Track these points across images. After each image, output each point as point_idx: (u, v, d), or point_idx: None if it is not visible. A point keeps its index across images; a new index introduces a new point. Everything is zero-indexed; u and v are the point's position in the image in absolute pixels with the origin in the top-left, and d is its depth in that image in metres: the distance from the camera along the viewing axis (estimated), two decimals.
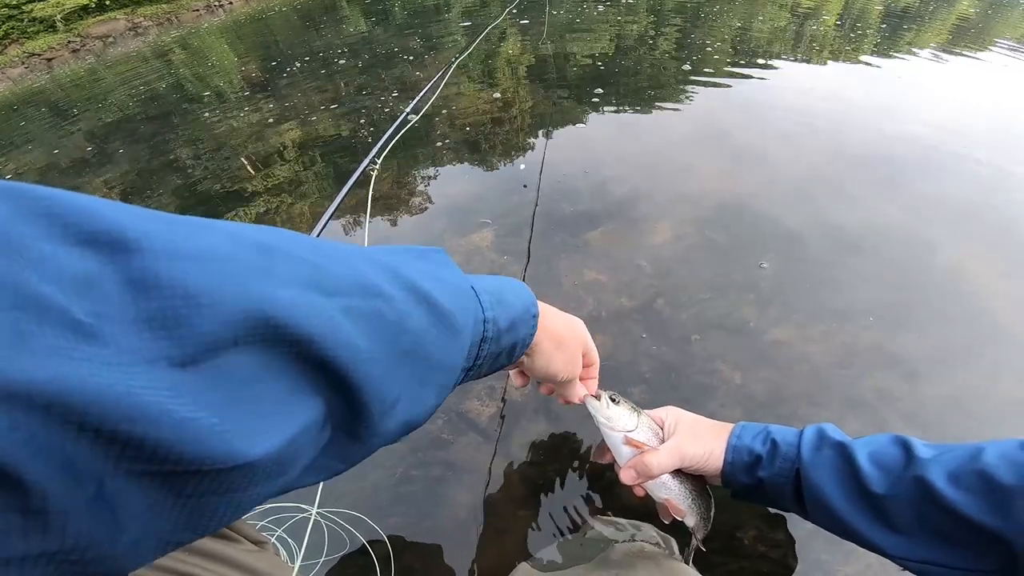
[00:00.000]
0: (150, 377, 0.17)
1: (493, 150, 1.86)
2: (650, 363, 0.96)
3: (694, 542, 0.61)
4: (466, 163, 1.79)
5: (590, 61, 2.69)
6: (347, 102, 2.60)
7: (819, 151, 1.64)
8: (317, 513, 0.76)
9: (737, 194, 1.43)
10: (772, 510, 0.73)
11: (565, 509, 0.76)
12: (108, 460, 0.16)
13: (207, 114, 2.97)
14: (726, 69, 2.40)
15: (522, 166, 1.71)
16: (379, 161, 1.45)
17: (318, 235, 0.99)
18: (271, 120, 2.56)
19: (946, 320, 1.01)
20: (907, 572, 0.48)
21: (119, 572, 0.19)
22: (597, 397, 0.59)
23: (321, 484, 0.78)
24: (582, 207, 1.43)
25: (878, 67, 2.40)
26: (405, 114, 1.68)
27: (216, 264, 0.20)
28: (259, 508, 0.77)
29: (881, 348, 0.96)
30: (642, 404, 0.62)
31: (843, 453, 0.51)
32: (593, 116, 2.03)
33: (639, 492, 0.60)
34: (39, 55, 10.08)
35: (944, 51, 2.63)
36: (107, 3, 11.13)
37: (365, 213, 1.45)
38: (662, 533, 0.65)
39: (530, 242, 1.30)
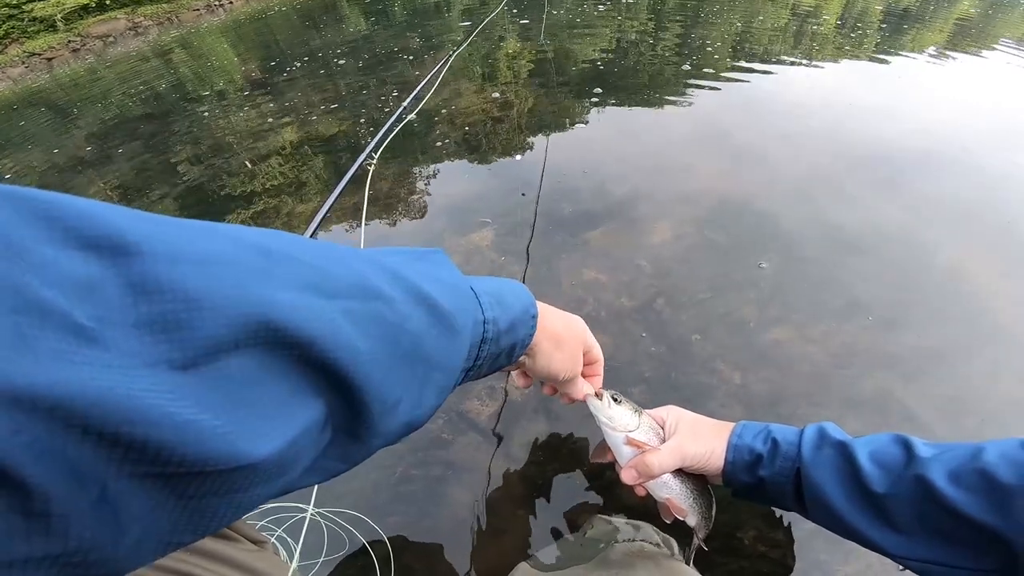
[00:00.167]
0: (152, 380, 0.17)
1: (493, 150, 1.86)
2: (650, 363, 0.96)
3: (695, 541, 0.61)
4: (466, 162, 1.79)
5: (590, 61, 2.69)
6: (347, 101, 2.60)
7: (819, 151, 1.64)
8: (317, 513, 0.76)
9: (737, 194, 1.43)
10: (772, 510, 0.73)
11: (565, 509, 0.76)
12: (111, 463, 0.17)
13: (207, 114, 2.97)
14: (726, 69, 2.40)
15: (522, 165, 1.71)
16: (376, 156, 1.45)
17: (314, 230, 0.99)
18: (271, 119, 2.56)
19: (946, 320, 1.01)
20: (907, 572, 0.48)
21: (119, 573, 0.19)
22: (599, 397, 0.59)
23: (321, 484, 0.78)
24: (582, 207, 1.43)
25: (878, 67, 2.40)
26: (402, 108, 1.68)
27: (217, 267, 0.20)
28: (259, 508, 0.77)
29: (881, 348, 0.96)
30: (642, 404, 0.62)
31: (844, 452, 0.51)
32: (593, 116, 2.03)
33: (640, 492, 0.60)
34: (39, 55, 10.07)
35: (944, 51, 2.63)
36: (107, 3, 11.12)
37: (362, 211, 1.45)
38: (662, 533, 0.65)
39: (530, 242, 1.30)
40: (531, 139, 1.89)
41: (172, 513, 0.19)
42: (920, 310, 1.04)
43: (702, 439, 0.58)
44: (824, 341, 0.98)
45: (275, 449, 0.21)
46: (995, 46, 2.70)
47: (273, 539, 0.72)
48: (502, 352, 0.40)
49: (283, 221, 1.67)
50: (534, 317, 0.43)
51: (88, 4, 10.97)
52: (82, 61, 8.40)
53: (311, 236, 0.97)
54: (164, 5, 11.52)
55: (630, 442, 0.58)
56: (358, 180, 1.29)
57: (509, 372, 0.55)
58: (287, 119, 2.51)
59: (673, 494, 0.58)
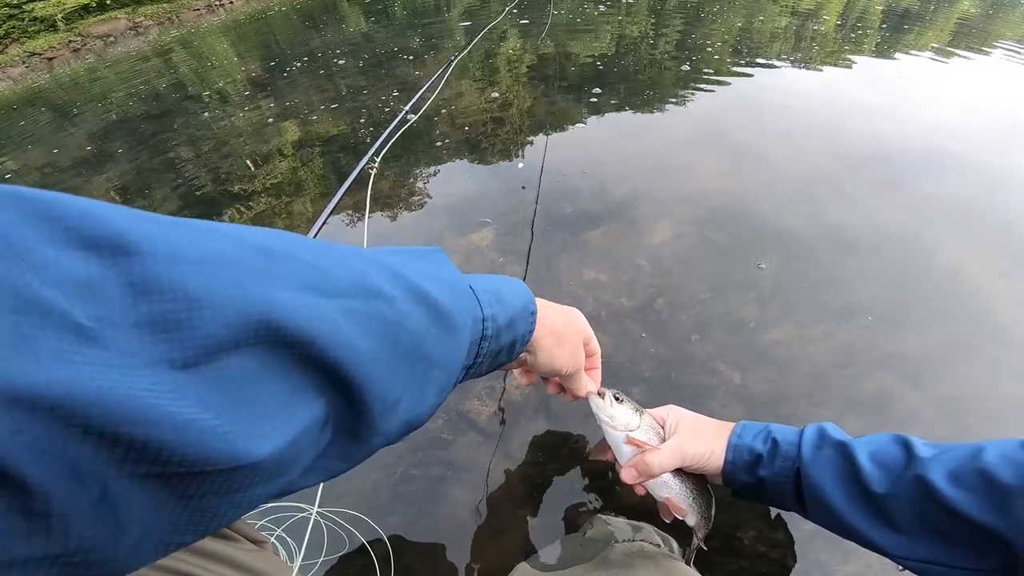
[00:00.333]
0: (152, 380, 0.17)
1: (493, 149, 1.86)
2: (650, 363, 0.96)
3: (695, 541, 0.61)
4: (466, 162, 1.79)
5: (590, 61, 2.69)
6: (347, 101, 2.60)
7: (819, 151, 1.64)
8: (317, 512, 0.76)
9: (737, 194, 1.43)
10: (772, 510, 0.73)
11: (565, 509, 0.76)
12: (112, 463, 0.17)
13: (207, 113, 2.97)
14: (726, 69, 2.40)
15: (521, 165, 1.71)
16: (378, 160, 1.45)
17: (316, 233, 0.99)
18: (271, 119, 2.56)
19: (946, 320, 1.01)
20: (907, 572, 0.48)
21: (119, 573, 0.19)
22: (601, 395, 0.59)
23: (321, 484, 0.78)
24: (582, 207, 1.43)
25: (879, 67, 2.40)
26: (404, 113, 1.68)
27: (217, 267, 0.20)
28: (259, 508, 0.77)
29: (881, 348, 0.96)
30: (642, 404, 0.62)
31: (844, 452, 0.51)
32: (593, 116, 2.03)
33: (640, 491, 0.60)
34: (40, 54, 10.06)
35: (945, 51, 2.63)
36: (108, 2, 11.12)
37: (364, 212, 1.45)
38: (662, 533, 0.65)
39: (530, 242, 1.30)
40: (531, 139, 1.90)
41: (172, 513, 0.19)
42: (920, 310, 1.04)
43: (702, 439, 0.58)
44: (824, 341, 0.98)
45: (275, 448, 0.21)
46: (996, 46, 2.70)
47: (273, 539, 0.72)
48: (502, 349, 0.40)
49: (284, 221, 1.67)
50: (533, 314, 0.43)
51: (89, 4, 10.97)
52: (82, 61, 8.40)
53: (314, 237, 0.97)
54: (164, 5, 11.52)
55: (630, 441, 0.58)
56: (360, 181, 1.29)
57: (510, 371, 0.55)
58: (287, 119, 2.51)
59: (673, 494, 0.58)
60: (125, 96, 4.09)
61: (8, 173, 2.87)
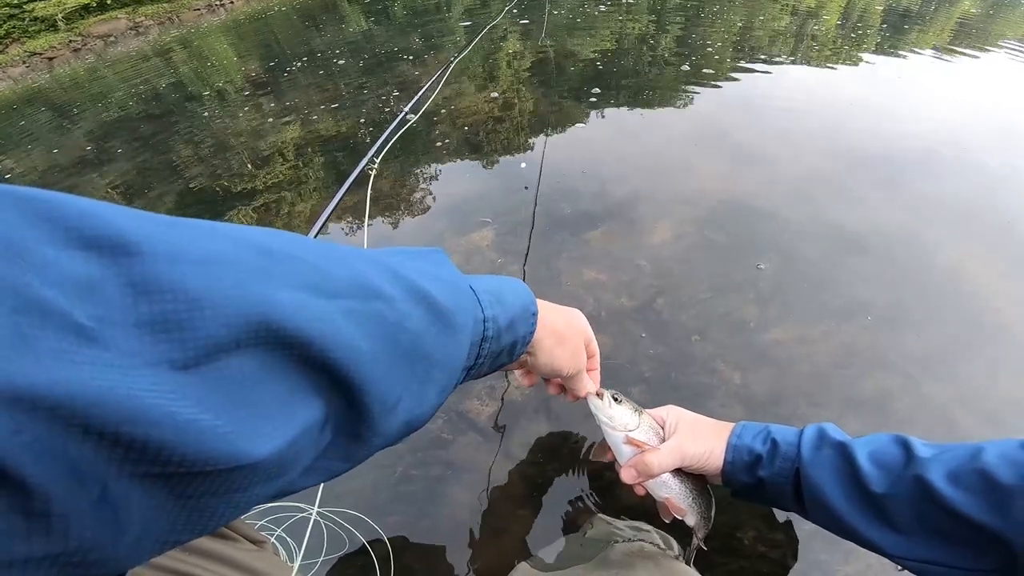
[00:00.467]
0: (152, 380, 0.17)
1: (493, 150, 1.86)
2: (650, 363, 0.96)
3: (695, 541, 0.61)
4: (466, 162, 1.79)
5: (590, 61, 2.69)
6: (347, 101, 2.60)
7: (819, 151, 1.64)
8: (316, 513, 0.76)
9: (737, 194, 1.43)
10: (772, 510, 0.73)
11: (565, 509, 0.76)
12: (112, 463, 0.17)
13: (207, 113, 2.97)
14: (726, 69, 2.40)
15: (522, 165, 1.71)
16: (377, 160, 1.45)
17: (316, 234, 0.99)
18: (271, 119, 2.56)
19: (946, 320, 1.01)
20: (907, 572, 0.48)
21: (118, 572, 0.19)
22: (600, 396, 0.59)
23: (321, 484, 0.78)
24: (582, 207, 1.43)
25: (879, 67, 2.39)
26: (404, 113, 1.68)
27: (217, 267, 0.20)
28: (259, 508, 0.77)
29: (881, 348, 0.96)
30: (642, 404, 0.62)
31: (843, 452, 0.51)
32: (593, 116, 2.03)
33: (639, 491, 0.60)
34: (40, 54, 10.07)
35: (945, 51, 2.63)
36: (108, 2, 11.12)
37: (364, 213, 1.45)
38: (662, 533, 0.65)
39: (530, 242, 1.30)
40: (531, 139, 1.89)
41: (171, 512, 0.19)
42: (920, 310, 1.04)
43: (701, 439, 0.58)
44: (824, 341, 0.98)
45: (275, 449, 0.21)
46: (996, 45, 2.70)
47: (272, 539, 0.72)
48: (503, 350, 0.40)
49: (283, 221, 1.67)
50: (534, 314, 0.43)
51: (89, 4, 10.97)
52: (83, 61, 8.40)
53: (314, 238, 0.97)
54: (165, 5, 11.52)
55: (630, 441, 0.58)
56: (360, 181, 1.29)
57: (511, 371, 0.55)
58: (287, 119, 2.51)
59: (672, 494, 0.58)
60: (125, 96, 4.10)
61: (8, 173, 2.87)
